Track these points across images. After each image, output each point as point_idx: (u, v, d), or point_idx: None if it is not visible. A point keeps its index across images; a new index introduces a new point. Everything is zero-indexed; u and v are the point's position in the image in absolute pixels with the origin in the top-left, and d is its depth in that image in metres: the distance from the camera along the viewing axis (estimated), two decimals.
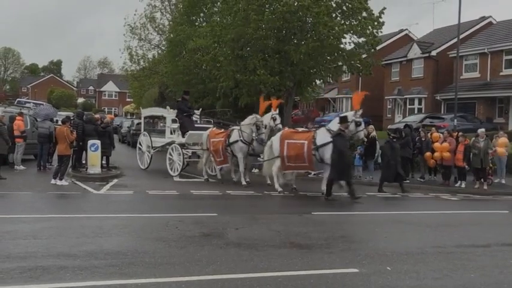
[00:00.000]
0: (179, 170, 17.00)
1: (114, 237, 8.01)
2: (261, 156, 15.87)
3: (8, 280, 5.50)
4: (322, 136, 13.61)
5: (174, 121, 17.69)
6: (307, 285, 5.76)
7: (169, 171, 17.38)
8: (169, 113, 17.98)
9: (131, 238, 7.97)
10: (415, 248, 7.87)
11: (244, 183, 15.24)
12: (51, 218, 9.42)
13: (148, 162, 18.91)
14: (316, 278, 6.01)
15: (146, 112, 20.82)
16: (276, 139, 14.64)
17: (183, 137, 17.33)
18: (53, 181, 14.08)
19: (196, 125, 17.81)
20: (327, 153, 13.20)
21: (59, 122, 16.74)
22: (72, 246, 7.04)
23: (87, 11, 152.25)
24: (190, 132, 17.22)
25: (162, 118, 19.17)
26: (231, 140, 15.85)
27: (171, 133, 17.87)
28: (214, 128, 17.20)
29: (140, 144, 19.61)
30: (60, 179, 14.19)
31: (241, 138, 15.60)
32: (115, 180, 15.63)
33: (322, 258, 6.97)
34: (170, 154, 17.55)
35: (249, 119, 15.75)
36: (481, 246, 8.24)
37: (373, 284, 5.89)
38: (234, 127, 16.50)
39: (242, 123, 16.15)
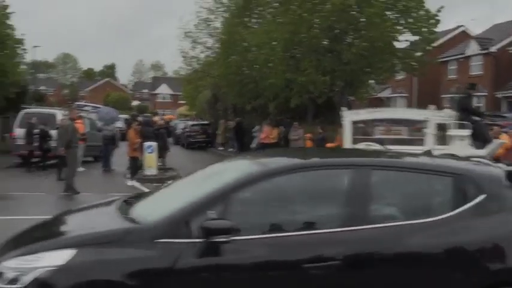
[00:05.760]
0: None
1: None
2: None
3: None
4: None
5: (461, 126, 13.01)
6: None
7: None
8: (436, 115, 13.55)
9: None
10: None
11: None
12: None
13: None
14: None
15: (375, 114, 15.23)
16: None
17: (479, 147, 12.50)
18: (129, 182, 14.76)
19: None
20: None
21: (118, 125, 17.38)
22: None
23: (154, 19, 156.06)
24: (500, 141, 12.84)
25: (418, 122, 14.07)
26: None
27: (444, 142, 13.05)
28: None
29: None
30: (131, 179, 15.04)
31: None
32: (171, 182, 15.84)
33: None
34: None
35: None
36: None
37: None
38: None
39: None
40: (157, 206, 4.23)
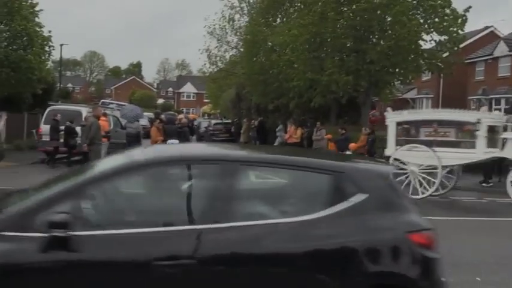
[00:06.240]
0: None
1: None
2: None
3: None
4: None
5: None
6: None
7: None
8: (487, 117, 13.11)
9: None
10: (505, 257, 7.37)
11: None
12: None
13: (432, 188, 12.72)
14: None
15: (420, 115, 15.16)
16: None
17: None
18: None
19: None
20: None
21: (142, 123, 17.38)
22: None
23: (180, 18, 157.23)
24: None
25: (468, 124, 13.23)
26: None
27: (495, 145, 12.76)
28: None
29: (401, 163, 13.28)
30: None
31: None
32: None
33: None
34: None
35: None
36: None
37: None
38: None
39: None
40: (27, 199, 4.03)
